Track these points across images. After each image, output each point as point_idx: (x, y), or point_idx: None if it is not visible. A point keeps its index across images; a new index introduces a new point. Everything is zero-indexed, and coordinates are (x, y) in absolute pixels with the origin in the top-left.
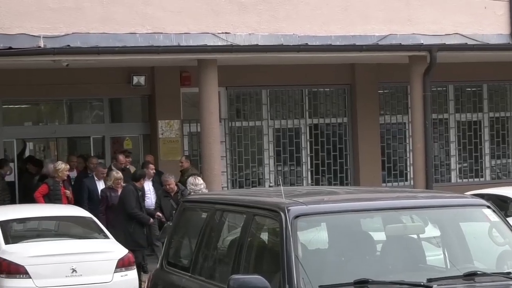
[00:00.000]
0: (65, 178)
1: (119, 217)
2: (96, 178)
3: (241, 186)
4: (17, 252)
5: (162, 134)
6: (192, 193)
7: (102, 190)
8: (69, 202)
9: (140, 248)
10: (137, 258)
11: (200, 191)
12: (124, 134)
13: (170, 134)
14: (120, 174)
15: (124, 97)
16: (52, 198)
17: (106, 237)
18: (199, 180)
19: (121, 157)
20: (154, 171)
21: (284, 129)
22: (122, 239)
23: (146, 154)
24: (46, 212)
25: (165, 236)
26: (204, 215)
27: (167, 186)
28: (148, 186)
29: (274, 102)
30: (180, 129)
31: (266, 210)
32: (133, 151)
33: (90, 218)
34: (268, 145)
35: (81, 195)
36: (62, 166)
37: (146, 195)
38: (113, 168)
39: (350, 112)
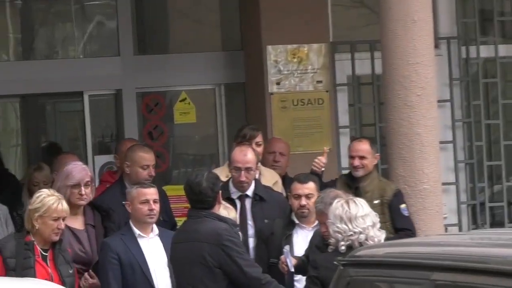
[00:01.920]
0: (56, 238)
1: None
2: (137, 230)
3: (498, 223)
4: None
5: (278, 83)
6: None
7: None
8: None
9: None
10: None
11: (355, 241)
12: (173, 84)
13: (299, 83)
14: None
15: None
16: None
17: None
18: (360, 208)
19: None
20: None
21: None
22: None
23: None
24: None
25: None
26: None
27: None
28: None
29: None
30: (327, 71)
31: None
32: (202, 126)
33: None
34: None
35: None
36: (53, 203)
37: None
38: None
39: None
